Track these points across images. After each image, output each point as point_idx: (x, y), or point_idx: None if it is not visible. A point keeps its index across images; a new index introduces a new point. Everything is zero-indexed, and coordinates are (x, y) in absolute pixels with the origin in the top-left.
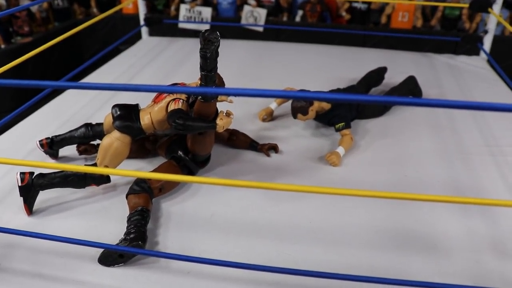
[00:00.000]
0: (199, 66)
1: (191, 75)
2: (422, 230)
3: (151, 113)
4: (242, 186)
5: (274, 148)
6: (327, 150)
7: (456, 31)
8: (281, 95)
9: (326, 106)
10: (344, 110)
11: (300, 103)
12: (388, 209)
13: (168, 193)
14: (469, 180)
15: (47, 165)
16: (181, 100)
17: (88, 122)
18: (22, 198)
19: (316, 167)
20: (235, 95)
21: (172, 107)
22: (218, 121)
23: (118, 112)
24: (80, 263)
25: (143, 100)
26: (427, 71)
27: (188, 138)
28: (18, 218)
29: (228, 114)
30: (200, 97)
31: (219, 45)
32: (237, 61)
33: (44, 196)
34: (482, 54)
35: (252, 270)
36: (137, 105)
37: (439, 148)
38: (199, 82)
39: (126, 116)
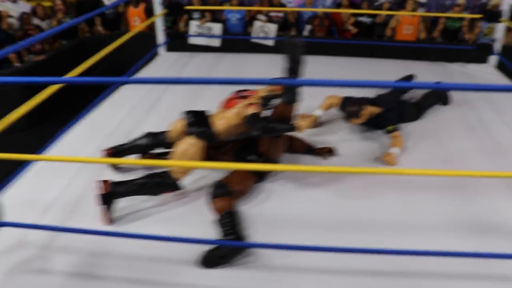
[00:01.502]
0: (284, 68)
1: (223, 89)
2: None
3: (225, 118)
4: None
5: (331, 151)
6: (378, 151)
7: (457, 42)
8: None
9: (376, 110)
10: (392, 114)
11: (354, 107)
12: (456, 199)
13: (245, 196)
14: None
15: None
16: (256, 105)
17: (149, 131)
18: (103, 207)
19: (375, 167)
20: (327, 85)
21: (249, 111)
22: (300, 122)
23: (193, 118)
24: (181, 267)
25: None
26: (445, 78)
27: (262, 141)
28: (97, 227)
29: (306, 116)
30: (283, 99)
31: (304, 49)
32: (250, 74)
33: (118, 205)
34: (490, 62)
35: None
36: (207, 111)
37: (477, 147)
38: (269, 89)
39: (200, 122)
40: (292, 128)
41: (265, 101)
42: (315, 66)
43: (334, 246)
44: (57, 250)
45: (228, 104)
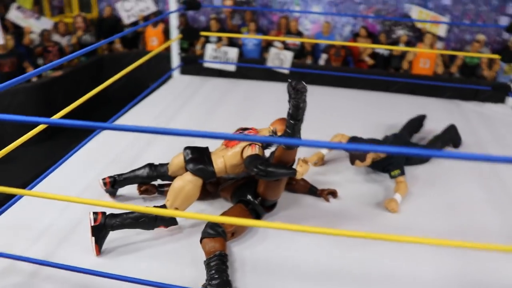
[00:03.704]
0: (288, 112)
1: (232, 117)
2: (490, 281)
3: (224, 157)
4: (320, 233)
5: (332, 193)
6: (381, 195)
7: (475, 78)
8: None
9: (381, 154)
10: (398, 158)
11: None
12: (454, 257)
13: (238, 237)
14: None
15: (122, 206)
16: (257, 146)
17: (149, 162)
18: (93, 238)
19: (376, 213)
20: (318, 147)
21: (248, 152)
22: (298, 168)
23: (191, 155)
24: None
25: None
26: (459, 118)
27: (261, 183)
28: (87, 258)
29: (305, 161)
30: (284, 145)
31: (307, 94)
32: (264, 102)
33: (111, 236)
34: (509, 102)
35: None
36: (207, 148)
37: (485, 195)
38: (272, 129)
39: (199, 159)
40: (291, 173)
41: (267, 143)
42: (327, 98)
43: None
44: (44, 279)
45: (230, 142)
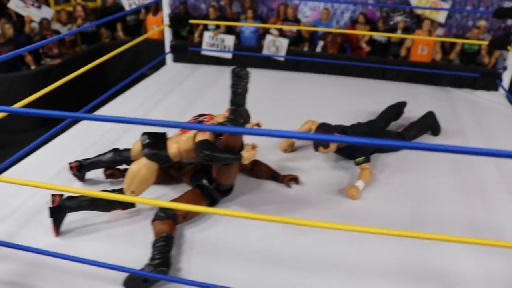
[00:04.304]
0: (229, 98)
1: (214, 103)
2: (439, 267)
3: (179, 142)
4: (263, 220)
5: (295, 179)
6: (346, 183)
7: (475, 66)
8: (303, 137)
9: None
10: (364, 145)
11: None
12: (407, 245)
13: (191, 220)
14: (488, 219)
15: (75, 190)
16: (208, 132)
17: (115, 147)
18: (51, 219)
19: (336, 200)
20: (258, 135)
21: (199, 137)
22: (244, 153)
23: (147, 140)
24: (106, 286)
25: (167, 128)
26: (446, 105)
27: (213, 167)
28: (46, 238)
29: (253, 147)
30: None
31: (248, 81)
32: (258, 90)
33: (71, 218)
34: (501, 90)
35: None
36: (165, 133)
37: (457, 184)
38: (227, 115)
39: (155, 144)
40: (237, 159)
41: None
42: (319, 85)
43: None
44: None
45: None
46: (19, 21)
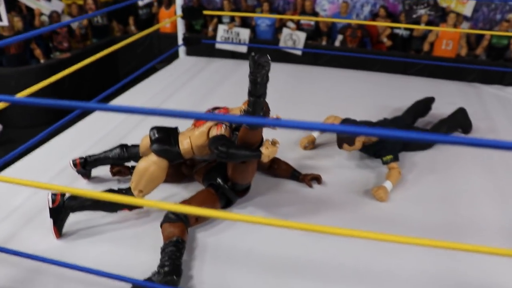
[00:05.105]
0: (247, 89)
1: (228, 97)
2: (477, 281)
3: (191, 137)
4: (280, 226)
5: (316, 179)
6: (372, 183)
7: (503, 61)
8: (333, 129)
9: (372, 138)
10: (392, 142)
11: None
12: (440, 255)
13: (203, 223)
14: None
15: (75, 190)
16: (223, 125)
17: (123, 143)
18: (52, 220)
19: (361, 202)
20: (284, 126)
21: (214, 132)
22: (263, 150)
23: (157, 135)
24: None
25: (179, 122)
26: (475, 102)
27: (229, 165)
28: (46, 241)
29: (274, 143)
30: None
31: (269, 69)
32: (275, 84)
33: (74, 218)
34: None
35: None
36: (176, 128)
37: (491, 187)
38: (244, 108)
39: (165, 139)
40: (256, 156)
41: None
42: (339, 80)
43: None
44: None
45: (198, 122)
46: (29, 14)
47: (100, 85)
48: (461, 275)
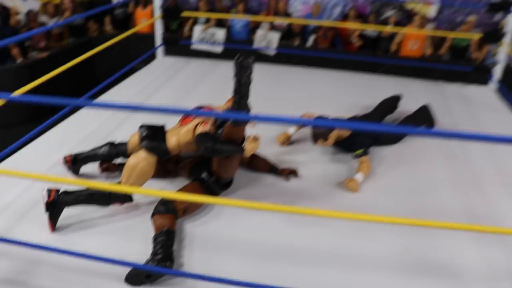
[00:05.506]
0: (227, 89)
1: (208, 97)
2: (440, 257)
3: (178, 134)
4: (266, 209)
5: (293, 172)
6: (345, 175)
7: (464, 61)
8: (317, 124)
9: (345, 133)
10: (362, 138)
11: (320, 129)
12: (407, 236)
13: (191, 215)
14: (485, 210)
15: (73, 181)
16: (209, 123)
17: (110, 140)
18: (47, 214)
19: (335, 193)
20: (267, 121)
21: (200, 129)
22: (246, 145)
23: (146, 132)
24: (106, 282)
25: (162, 120)
26: (439, 99)
27: (213, 160)
28: (42, 233)
29: (255, 139)
30: (231, 121)
31: (253, 70)
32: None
33: (67, 213)
34: (491, 84)
35: None
36: (163, 125)
37: (453, 177)
38: (228, 106)
39: (153, 136)
40: (239, 151)
41: (220, 120)
42: (312, 79)
43: (261, 284)
44: None
45: (184, 120)
46: (3, 13)
47: (78, 86)
48: (425, 253)
